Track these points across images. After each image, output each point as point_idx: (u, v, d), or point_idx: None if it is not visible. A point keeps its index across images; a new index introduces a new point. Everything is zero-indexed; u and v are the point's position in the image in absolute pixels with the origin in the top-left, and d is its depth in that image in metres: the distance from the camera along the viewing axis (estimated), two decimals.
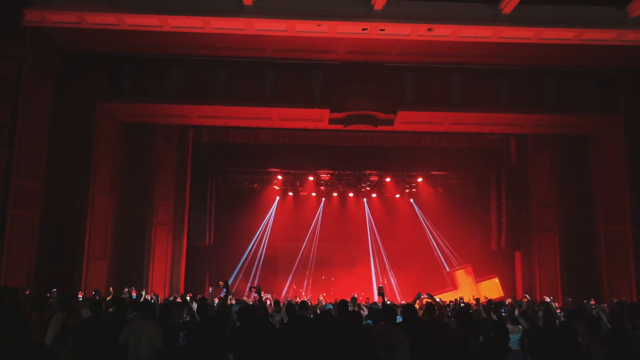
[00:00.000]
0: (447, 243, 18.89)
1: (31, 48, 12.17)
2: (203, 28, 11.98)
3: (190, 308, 7.97)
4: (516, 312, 8.48)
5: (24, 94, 11.94)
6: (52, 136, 13.09)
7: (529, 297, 13.04)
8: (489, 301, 13.25)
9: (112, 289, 12.75)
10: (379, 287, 8.41)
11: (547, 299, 11.69)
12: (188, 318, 7.67)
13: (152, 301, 11.40)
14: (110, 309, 8.08)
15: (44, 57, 12.82)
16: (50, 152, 13.05)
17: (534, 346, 6.55)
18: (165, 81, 14.25)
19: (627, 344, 6.09)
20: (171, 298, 13.38)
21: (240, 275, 18.49)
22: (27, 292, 10.99)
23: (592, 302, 11.62)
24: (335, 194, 19.59)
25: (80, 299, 9.62)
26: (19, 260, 11.92)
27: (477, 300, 10.51)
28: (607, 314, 8.76)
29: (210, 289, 13.26)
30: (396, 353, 5.94)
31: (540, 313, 8.35)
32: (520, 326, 7.63)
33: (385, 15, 11.50)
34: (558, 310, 10.44)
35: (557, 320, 8.09)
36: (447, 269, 18.74)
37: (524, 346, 7.39)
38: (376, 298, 16.20)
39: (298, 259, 19.22)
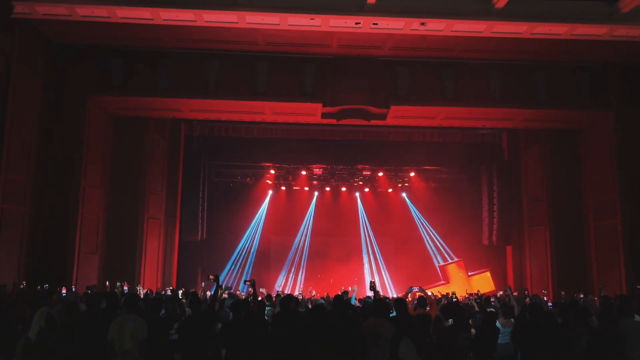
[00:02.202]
0: (439, 237, 18.95)
1: (20, 41, 12.04)
2: (195, 21, 11.90)
3: (180, 302, 7.95)
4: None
5: (13, 87, 11.83)
6: (42, 129, 12.97)
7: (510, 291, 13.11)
8: (478, 296, 13.31)
9: (109, 283, 12.65)
10: (370, 281, 8.41)
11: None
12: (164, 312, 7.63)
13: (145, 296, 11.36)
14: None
15: (33, 50, 12.68)
16: (40, 145, 12.95)
17: (524, 338, 6.59)
18: (156, 74, 14.16)
19: (617, 336, 6.13)
20: (162, 292, 13.34)
21: (233, 270, 18.47)
22: (23, 286, 10.87)
23: (581, 295, 11.72)
24: (327, 189, 19.58)
25: (63, 294, 9.47)
26: (9, 254, 11.84)
27: (471, 294, 10.55)
28: (597, 307, 8.84)
29: (203, 284, 13.24)
30: (385, 347, 5.97)
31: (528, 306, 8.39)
32: (512, 319, 7.67)
33: (378, 9, 11.48)
34: (550, 303, 10.50)
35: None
36: (439, 263, 18.82)
37: (515, 339, 7.43)
38: (368, 292, 16.25)
39: (291, 254, 19.21)
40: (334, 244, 19.15)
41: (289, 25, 12.03)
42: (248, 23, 11.97)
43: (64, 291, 9.51)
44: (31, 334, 6.46)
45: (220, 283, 7.88)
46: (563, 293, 13.28)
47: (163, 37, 13.25)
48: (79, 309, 7.08)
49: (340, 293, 11.19)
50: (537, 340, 6.05)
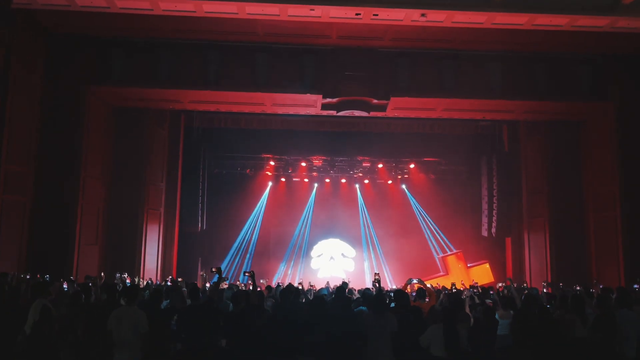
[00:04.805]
0: (438, 229, 18.98)
1: (20, 31, 11.99)
2: (195, 12, 11.84)
3: (181, 292, 7.98)
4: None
5: (13, 77, 11.79)
6: (42, 120, 12.96)
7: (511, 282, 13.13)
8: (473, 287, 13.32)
9: (104, 274, 12.69)
10: (375, 273, 8.44)
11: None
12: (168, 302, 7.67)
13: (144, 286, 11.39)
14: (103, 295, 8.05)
15: (33, 41, 12.64)
16: (41, 136, 12.95)
17: (522, 329, 6.64)
18: (156, 65, 14.11)
19: (615, 327, 6.19)
20: (163, 283, 13.39)
21: (233, 261, 18.52)
22: (29, 276, 10.83)
23: (578, 287, 11.74)
24: (327, 180, 19.59)
25: (65, 288, 9.42)
26: (10, 245, 11.87)
27: (471, 286, 10.58)
28: (594, 298, 8.87)
29: (203, 274, 13.30)
30: (388, 339, 6.01)
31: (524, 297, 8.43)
32: (511, 311, 7.71)
33: (379, 0, 11.43)
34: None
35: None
36: (439, 255, 18.87)
37: (513, 331, 7.47)
38: (369, 285, 16.30)
39: (290, 245, 19.25)
40: (334, 235, 19.20)
41: (288, 16, 11.97)
42: (248, 14, 11.91)
43: (65, 285, 9.46)
44: (27, 327, 6.44)
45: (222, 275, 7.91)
46: (561, 285, 13.31)
47: (162, 28, 13.19)
48: (82, 300, 7.10)
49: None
50: (533, 330, 6.11)
